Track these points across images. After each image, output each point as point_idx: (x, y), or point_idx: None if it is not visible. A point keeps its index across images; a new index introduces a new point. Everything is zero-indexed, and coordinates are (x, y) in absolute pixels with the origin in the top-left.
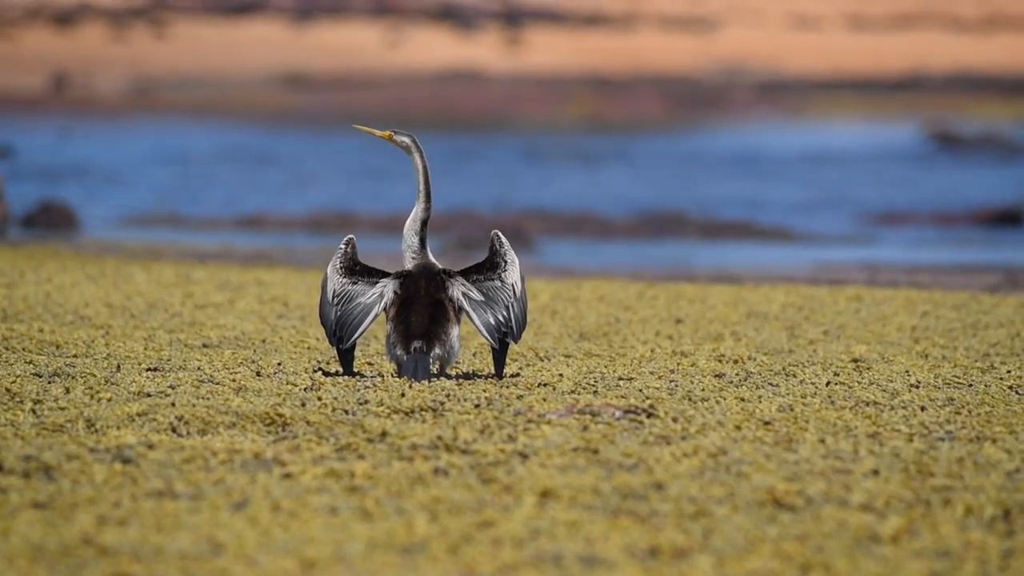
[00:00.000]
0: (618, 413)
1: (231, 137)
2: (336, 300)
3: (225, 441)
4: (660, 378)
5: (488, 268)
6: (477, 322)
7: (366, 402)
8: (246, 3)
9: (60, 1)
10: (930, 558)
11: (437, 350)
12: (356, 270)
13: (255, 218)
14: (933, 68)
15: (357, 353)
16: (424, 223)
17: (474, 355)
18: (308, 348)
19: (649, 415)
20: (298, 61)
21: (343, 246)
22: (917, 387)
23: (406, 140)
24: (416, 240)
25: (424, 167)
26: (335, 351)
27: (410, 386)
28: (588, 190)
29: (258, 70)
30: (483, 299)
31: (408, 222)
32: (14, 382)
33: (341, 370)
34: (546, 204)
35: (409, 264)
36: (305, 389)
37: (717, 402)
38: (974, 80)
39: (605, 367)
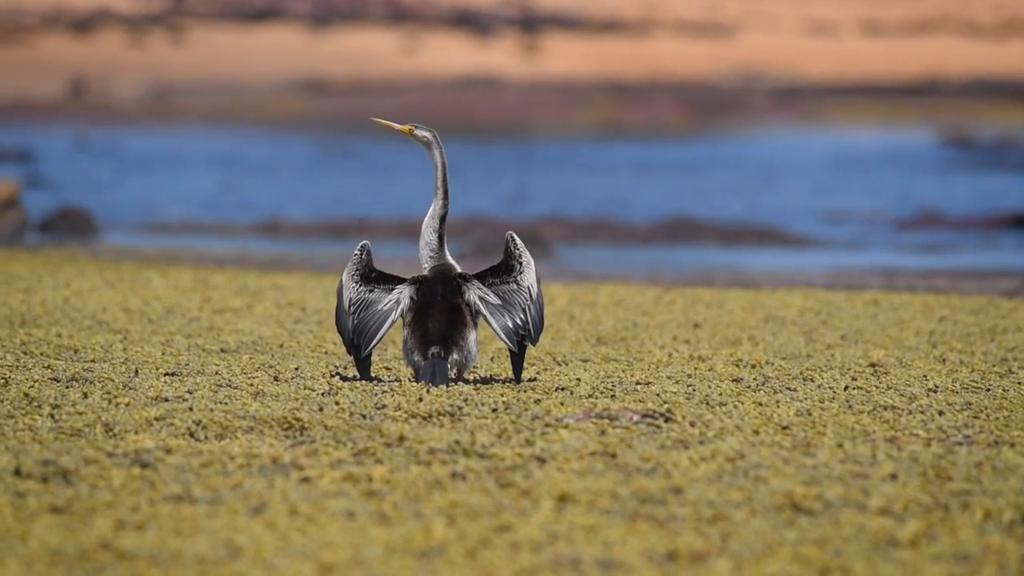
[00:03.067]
0: (636, 417)
1: (247, 142)
2: (353, 308)
3: (243, 445)
4: (678, 383)
5: (504, 271)
6: (495, 326)
7: (384, 406)
8: (263, 9)
9: (78, 8)
10: (949, 562)
11: (455, 355)
12: (372, 277)
13: (272, 224)
14: (949, 73)
15: (375, 358)
16: (442, 220)
17: (491, 359)
18: (325, 353)
19: (667, 419)
20: (315, 67)
21: (358, 252)
22: (935, 391)
23: (427, 135)
24: (435, 237)
25: (443, 163)
26: (352, 357)
27: (427, 391)
28: (605, 196)
29: (275, 76)
30: (500, 303)
31: (426, 219)
32: (32, 387)
33: (358, 375)
34: (563, 209)
35: (426, 263)
36: (323, 393)
37: (735, 406)
38: (990, 85)
39: (623, 371)
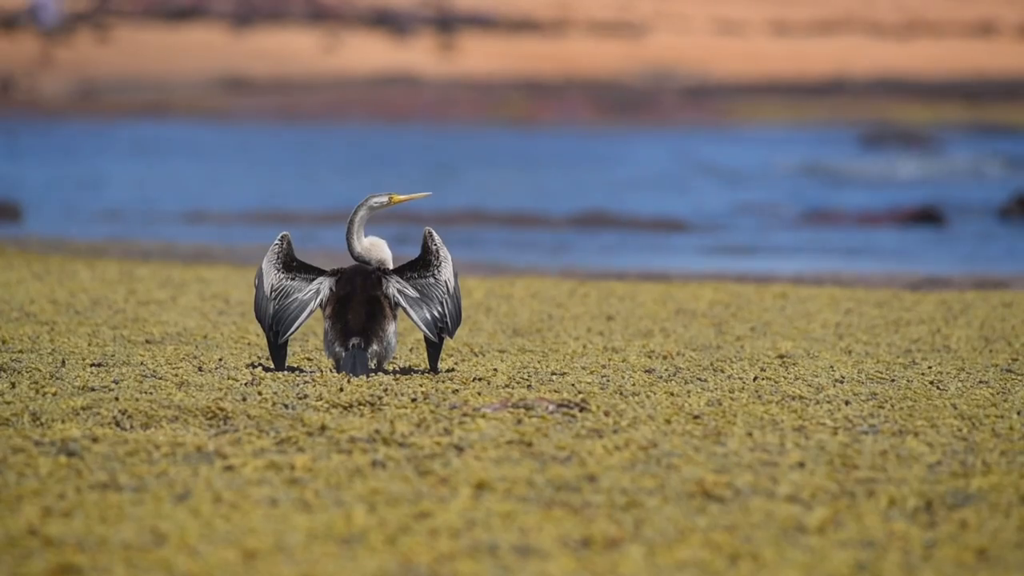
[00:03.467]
0: (551, 407)
1: (174, 136)
2: (274, 294)
3: (168, 434)
4: (592, 373)
5: (422, 266)
6: (415, 317)
7: (305, 396)
8: (187, 8)
9: (3, 7)
10: (855, 548)
11: (375, 346)
12: (293, 266)
13: (197, 214)
14: (855, 72)
15: (296, 349)
16: (362, 220)
17: (411, 350)
18: (248, 344)
19: (581, 409)
20: (238, 65)
21: (278, 242)
22: (841, 382)
23: (380, 201)
24: (354, 235)
25: (366, 206)
26: (268, 347)
27: (348, 381)
28: (521, 191)
29: (199, 74)
30: (418, 296)
31: (349, 220)
32: None
33: (273, 364)
34: (480, 204)
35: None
36: (246, 384)
37: (647, 396)
38: (895, 84)
39: (538, 362)
